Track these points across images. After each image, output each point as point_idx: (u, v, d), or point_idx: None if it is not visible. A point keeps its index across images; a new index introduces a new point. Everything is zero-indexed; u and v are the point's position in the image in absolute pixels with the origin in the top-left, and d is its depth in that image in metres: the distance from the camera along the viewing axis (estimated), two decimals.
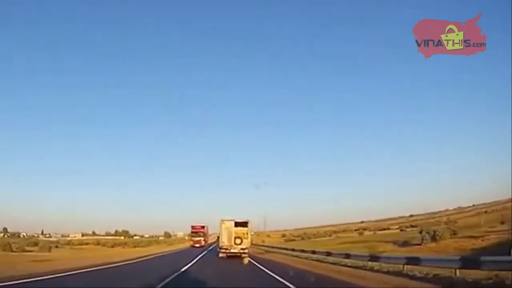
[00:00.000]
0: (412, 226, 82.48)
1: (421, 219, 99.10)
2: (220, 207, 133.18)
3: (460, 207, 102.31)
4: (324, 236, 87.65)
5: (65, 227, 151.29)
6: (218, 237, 29.24)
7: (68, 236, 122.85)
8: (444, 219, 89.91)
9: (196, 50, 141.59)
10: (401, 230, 73.79)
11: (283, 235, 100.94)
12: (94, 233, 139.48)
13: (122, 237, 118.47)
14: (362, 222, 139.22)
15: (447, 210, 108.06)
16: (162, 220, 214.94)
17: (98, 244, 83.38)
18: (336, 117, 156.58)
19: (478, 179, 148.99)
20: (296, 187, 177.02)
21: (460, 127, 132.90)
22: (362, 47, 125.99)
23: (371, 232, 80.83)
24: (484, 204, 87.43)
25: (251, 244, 28.63)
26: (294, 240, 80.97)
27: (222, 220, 26.26)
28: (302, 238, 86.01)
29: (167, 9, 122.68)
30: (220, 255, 25.93)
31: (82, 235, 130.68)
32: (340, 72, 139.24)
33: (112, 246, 74.73)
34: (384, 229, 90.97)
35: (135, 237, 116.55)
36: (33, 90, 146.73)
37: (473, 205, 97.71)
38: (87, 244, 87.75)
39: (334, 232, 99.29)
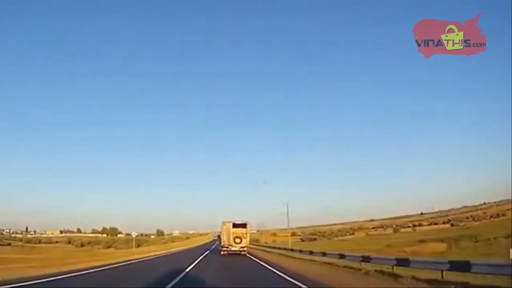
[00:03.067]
0: (449, 221, 73.68)
1: (437, 216, 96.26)
2: (220, 206, 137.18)
3: (466, 206, 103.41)
4: (345, 235, 73.68)
5: (62, 224, 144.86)
6: (219, 236, 32.51)
7: (45, 233, 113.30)
8: (480, 213, 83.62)
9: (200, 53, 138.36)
10: (452, 225, 62.78)
11: (293, 234, 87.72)
12: (79, 230, 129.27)
13: (105, 235, 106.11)
14: (371, 220, 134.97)
15: (452, 208, 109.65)
16: (157, 218, 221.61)
17: (69, 242, 75.13)
18: (339, 117, 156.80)
19: (477, 179, 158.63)
20: (299, 186, 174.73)
21: (460, 126, 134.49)
22: (362, 48, 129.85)
23: (408, 229, 67.26)
24: (495, 201, 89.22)
25: (250, 243, 31.97)
26: (314, 239, 65.31)
27: (223, 222, 28.15)
28: (319, 237, 71.06)
29: None
30: (222, 253, 27.78)
31: (61, 232, 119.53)
32: (342, 70, 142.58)
33: (82, 245, 61.82)
34: (415, 226, 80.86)
35: (119, 235, 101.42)
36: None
37: (484, 203, 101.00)
38: (57, 242, 78.69)
39: (352, 229, 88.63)
